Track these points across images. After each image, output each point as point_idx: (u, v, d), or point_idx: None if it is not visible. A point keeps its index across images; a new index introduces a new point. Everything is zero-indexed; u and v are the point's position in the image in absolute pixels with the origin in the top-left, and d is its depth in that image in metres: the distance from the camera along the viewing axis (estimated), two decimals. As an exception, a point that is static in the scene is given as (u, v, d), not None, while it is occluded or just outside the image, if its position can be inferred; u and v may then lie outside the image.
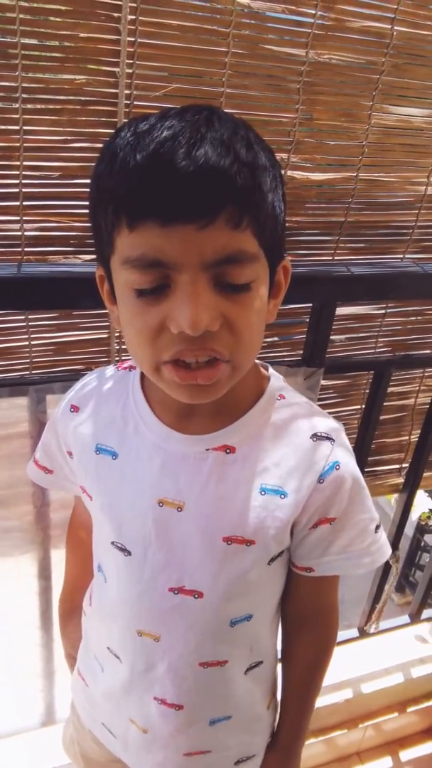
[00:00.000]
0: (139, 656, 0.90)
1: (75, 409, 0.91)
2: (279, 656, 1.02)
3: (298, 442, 0.82)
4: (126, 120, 0.65)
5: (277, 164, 0.71)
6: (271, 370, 0.89)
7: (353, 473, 0.85)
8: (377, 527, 0.89)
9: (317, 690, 1.01)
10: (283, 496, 0.81)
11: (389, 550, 0.91)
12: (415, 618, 1.96)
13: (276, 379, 0.88)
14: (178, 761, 0.96)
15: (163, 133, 0.61)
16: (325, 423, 0.85)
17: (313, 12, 1.17)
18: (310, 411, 0.87)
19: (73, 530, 1.11)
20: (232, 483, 0.81)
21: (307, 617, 0.97)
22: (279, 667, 1.03)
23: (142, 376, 0.86)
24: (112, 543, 0.87)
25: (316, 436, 0.83)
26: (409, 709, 1.96)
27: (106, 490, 0.87)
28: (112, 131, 1.10)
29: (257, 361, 0.88)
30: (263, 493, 0.81)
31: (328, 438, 0.83)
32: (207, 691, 0.91)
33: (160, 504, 0.82)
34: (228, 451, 0.81)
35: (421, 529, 3.66)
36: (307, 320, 1.45)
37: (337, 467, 0.82)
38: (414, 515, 3.05)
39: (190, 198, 0.60)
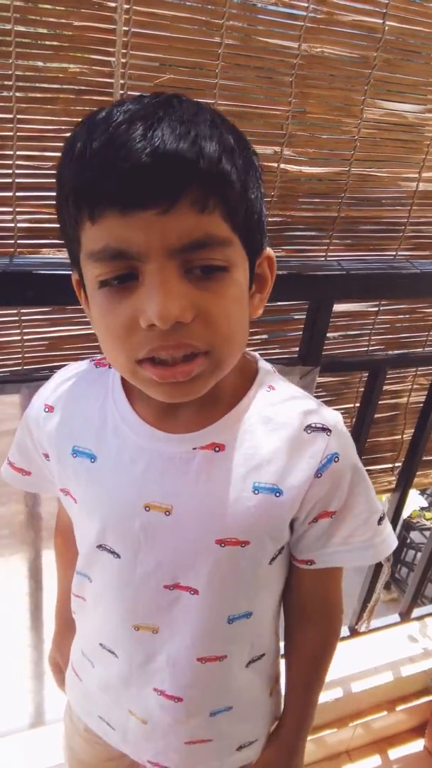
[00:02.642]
0: (137, 650, 0.88)
1: (49, 409, 0.86)
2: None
3: (291, 435, 0.79)
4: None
5: (250, 149, 0.68)
6: (259, 359, 0.85)
7: (353, 464, 0.82)
8: (380, 519, 0.86)
9: (321, 683, 0.99)
10: (278, 494, 0.78)
11: (395, 542, 0.89)
12: (405, 617, 1.96)
13: (265, 369, 0.84)
14: (179, 748, 0.94)
15: (119, 118, 0.59)
16: (320, 413, 0.81)
17: (306, 5, 1.16)
18: (304, 402, 0.83)
19: (61, 541, 1.07)
20: (223, 483, 0.77)
21: (310, 611, 0.95)
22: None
23: None
24: (99, 546, 0.84)
25: (311, 428, 0.79)
26: (399, 708, 1.96)
27: (87, 493, 0.83)
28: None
29: (246, 350, 0.85)
30: (257, 491, 0.77)
31: (324, 429, 0.79)
32: (206, 686, 0.89)
33: (147, 508, 0.79)
34: (217, 449, 0.77)
35: (407, 526, 3.66)
36: (296, 317, 1.45)
37: (336, 459, 0.79)
38: (405, 513, 3.06)
39: (149, 182, 0.58)
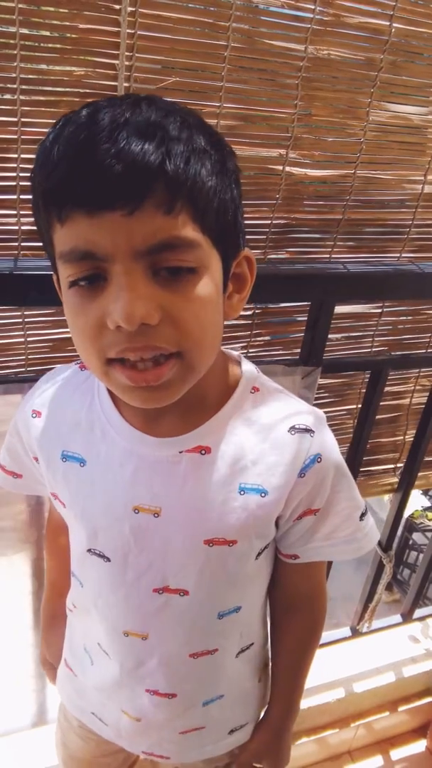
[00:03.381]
0: (128, 655, 0.89)
1: (37, 414, 0.87)
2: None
3: (275, 436, 0.80)
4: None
5: (224, 150, 0.68)
6: (243, 360, 0.86)
7: (336, 463, 0.84)
8: (362, 515, 0.88)
9: (306, 671, 1.02)
10: (263, 494, 0.80)
11: (377, 536, 0.91)
12: (407, 617, 1.96)
13: (249, 370, 0.85)
14: (173, 738, 0.96)
15: (87, 120, 0.60)
16: (304, 414, 0.83)
17: (312, 7, 1.15)
18: (287, 402, 0.84)
19: (50, 535, 1.09)
20: (210, 485, 0.79)
21: (296, 602, 0.98)
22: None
23: None
24: (89, 550, 0.85)
25: (294, 429, 0.81)
26: (401, 708, 1.97)
27: (77, 498, 0.84)
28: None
29: (229, 351, 0.87)
30: (243, 492, 0.79)
31: (307, 429, 0.81)
32: (199, 678, 0.92)
33: (136, 511, 0.80)
34: (203, 452, 0.79)
35: (409, 527, 3.67)
36: (299, 319, 1.45)
37: (319, 459, 0.81)
38: (406, 513, 3.07)
39: (114, 183, 0.58)
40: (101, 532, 0.83)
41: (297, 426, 0.81)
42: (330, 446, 0.84)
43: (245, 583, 0.88)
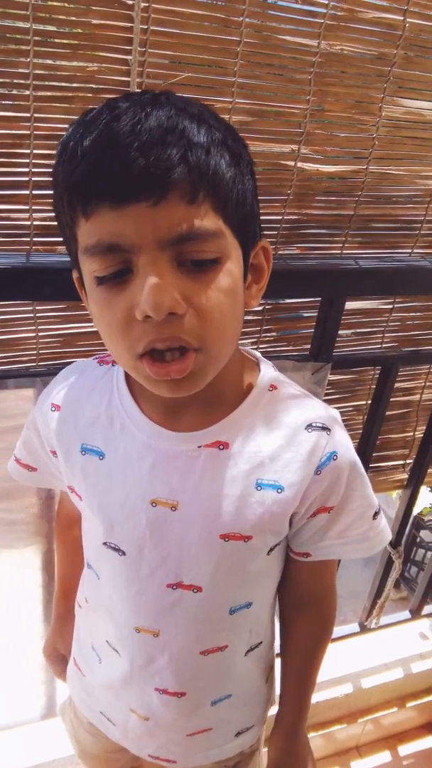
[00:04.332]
0: (138, 651, 0.90)
1: (56, 407, 0.88)
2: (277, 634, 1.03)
3: (292, 434, 0.81)
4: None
5: (239, 142, 0.70)
6: (261, 359, 0.87)
7: (351, 461, 0.85)
8: (376, 513, 0.89)
9: (317, 669, 1.02)
10: (279, 491, 0.80)
11: (389, 536, 0.92)
12: (415, 614, 1.96)
13: (267, 368, 0.86)
14: (180, 741, 0.97)
15: (108, 115, 0.61)
16: (320, 412, 0.84)
17: (326, 2, 1.15)
18: (304, 401, 0.85)
19: (61, 527, 1.10)
20: (227, 480, 0.79)
21: (306, 601, 0.98)
22: (277, 642, 1.04)
23: None
24: (104, 543, 0.85)
25: (311, 427, 0.82)
26: (408, 704, 1.97)
27: (95, 491, 0.85)
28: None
29: (248, 350, 0.87)
30: (259, 488, 0.80)
31: (324, 428, 0.82)
32: (208, 676, 0.92)
33: (153, 504, 0.81)
34: (221, 447, 0.80)
35: (417, 525, 3.67)
36: (307, 315, 1.45)
37: (335, 457, 0.82)
38: (415, 510, 3.06)
39: (138, 176, 0.59)
40: (118, 526, 0.84)
41: (314, 424, 0.82)
42: (346, 445, 0.84)
43: (256, 578, 0.89)
